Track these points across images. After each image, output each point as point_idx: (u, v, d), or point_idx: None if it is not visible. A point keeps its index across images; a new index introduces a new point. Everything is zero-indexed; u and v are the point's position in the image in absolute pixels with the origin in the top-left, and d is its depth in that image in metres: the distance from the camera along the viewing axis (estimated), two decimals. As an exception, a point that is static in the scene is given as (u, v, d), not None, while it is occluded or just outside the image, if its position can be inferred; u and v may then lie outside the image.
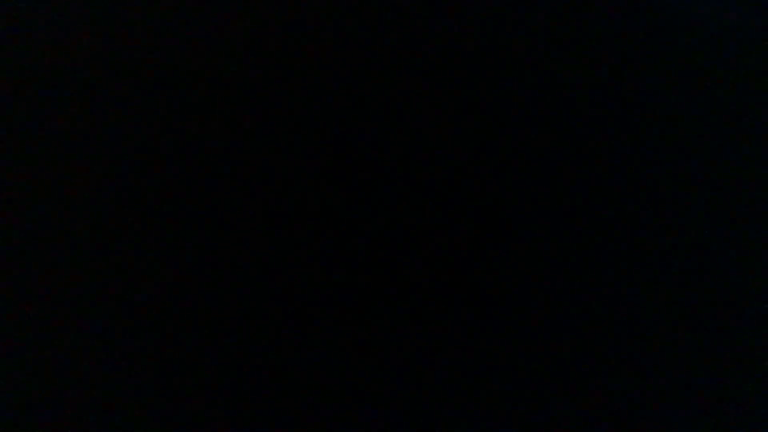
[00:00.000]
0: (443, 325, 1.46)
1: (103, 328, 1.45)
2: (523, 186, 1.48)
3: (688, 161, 1.50)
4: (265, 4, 1.50)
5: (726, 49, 1.52)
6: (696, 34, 1.52)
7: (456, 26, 1.50)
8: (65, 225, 1.46)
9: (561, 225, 1.48)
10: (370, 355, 1.46)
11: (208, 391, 1.44)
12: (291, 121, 1.49)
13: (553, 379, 1.45)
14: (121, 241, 1.46)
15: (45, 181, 1.47)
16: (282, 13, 1.50)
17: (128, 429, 1.43)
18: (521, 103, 1.50)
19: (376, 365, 1.45)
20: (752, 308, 1.47)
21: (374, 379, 1.45)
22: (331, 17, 1.50)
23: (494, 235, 1.48)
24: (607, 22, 1.51)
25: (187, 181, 1.47)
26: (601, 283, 1.47)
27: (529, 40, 1.50)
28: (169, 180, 1.47)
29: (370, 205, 1.48)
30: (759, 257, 1.48)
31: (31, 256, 1.45)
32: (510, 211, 1.48)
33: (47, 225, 1.46)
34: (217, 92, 1.49)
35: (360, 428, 1.45)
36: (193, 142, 1.48)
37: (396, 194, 1.48)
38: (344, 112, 1.49)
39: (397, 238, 1.47)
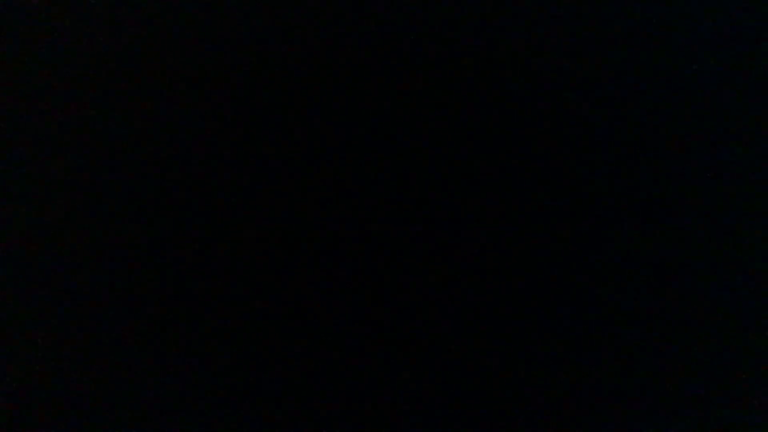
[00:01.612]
0: (443, 325, 1.46)
1: (103, 328, 1.45)
2: (523, 186, 1.48)
3: (687, 162, 1.49)
4: (265, 4, 1.50)
5: (726, 47, 1.51)
6: (695, 34, 1.51)
7: (457, 26, 1.50)
8: (66, 225, 1.46)
9: (561, 225, 1.48)
10: (370, 355, 1.45)
11: (208, 391, 1.44)
12: (293, 122, 1.49)
13: (554, 379, 1.45)
14: (122, 242, 1.46)
15: (46, 181, 1.47)
16: (282, 13, 1.50)
17: (128, 429, 1.43)
18: (521, 103, 1.49)
19: (376, 365, 1.45)
20: (752, 308, 1.47)
21: (374, 379, 1.45)
22: (332, 17, 1.50)
23: (495, 235, 1.47)
24: (606, 21, 1.51)
25: (188, 182, 1.47)
26: (601, 284, 1.47)
27: (529, 39, 1.50)
28: (170, 180, 1.47)
29: (370, 206, 1.47)
30: (759, 257, 1.48)
31: (32, 256, 1.45)
32: (511, 210, 1.48)
33: (48, 225, 1.46)
34: (217, 93, 1.49)
35: (360, 428, 1.44)
36: (194, 142, 1.48)
37: (395, 195, 1.48)
38: (345, 113, 1.49)
39: (395, 239, 1.47)
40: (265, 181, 1.47)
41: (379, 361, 1.45)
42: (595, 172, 1.48)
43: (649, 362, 1.46)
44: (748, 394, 1.45)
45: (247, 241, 1.46)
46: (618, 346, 1.46)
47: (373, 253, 1.46)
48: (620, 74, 1.50)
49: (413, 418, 1.44)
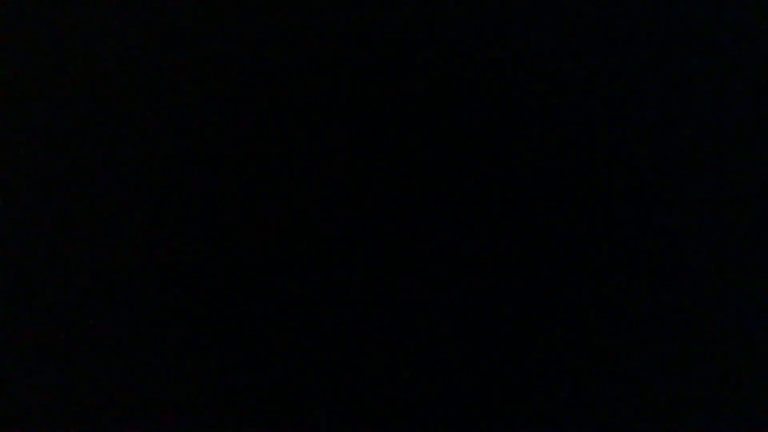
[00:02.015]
0: (443, 325, 1.46)
1: (103, 329, 1.45)
2: (523, 186, 1.48)
3: (687, 162, 1.50)
4: (266, 4, 1.50)
5: (726, 49, 1.52)
6: (697, 33, 1.52)
7: (457, 26, 1.50)
8: (66, 225, 1.46)
9: (561, 225, 1.48)
10: (369, 355, 1.46)
11: (208, 391, 1.44)
12: (293, 122, 1.49)
13: (554, 379, 1.45)
14: (122, 242, 1.46)
15: (47, 181, 1.47)
16: (283, 13, 1.51)
17: (128, 429, 1.43)
18: (520, 103, 1.50)
19: (376, 365, 1.46)
20: (752, 308, 1.47)
21: (375, 379, 1.45)
22: (333, 17, 1.50)
23: (495, 236, 1.48)
24: (607, 21, 1.51)
25: (189, 182, 1.47)
26: (601, 284, 1.47)
27: (529, 39, 1.50)
28: (169, 180, 1.47)
29: (370, 206, 1.48)
30: (759, 257, 1.48)
31: (34, 256, 1.46)
32: (510, 210, 1.48)
33: (48, 225, 1.46)
34: (217, 92, 1.49)
35: (360, 428, 1.45)
36: (194, 142, 1.48)
37: (395, 194, 1.48)
38: (344, 113, 1.49)
39: (395, 239, 1.47)
40: (265, 180, 1.47)
41: (379, 361, 1.45)
42: (595, 172, 1.49)
43: (648, 363, 1.46)
44: (748, 394, 1.45)
45: (246, 241, 1.46)
46: (618, 346, 1.46)
47: (373, 253, 1.47)
48: (620, 74, 1.50)
49: (413, 418, 1.45)
